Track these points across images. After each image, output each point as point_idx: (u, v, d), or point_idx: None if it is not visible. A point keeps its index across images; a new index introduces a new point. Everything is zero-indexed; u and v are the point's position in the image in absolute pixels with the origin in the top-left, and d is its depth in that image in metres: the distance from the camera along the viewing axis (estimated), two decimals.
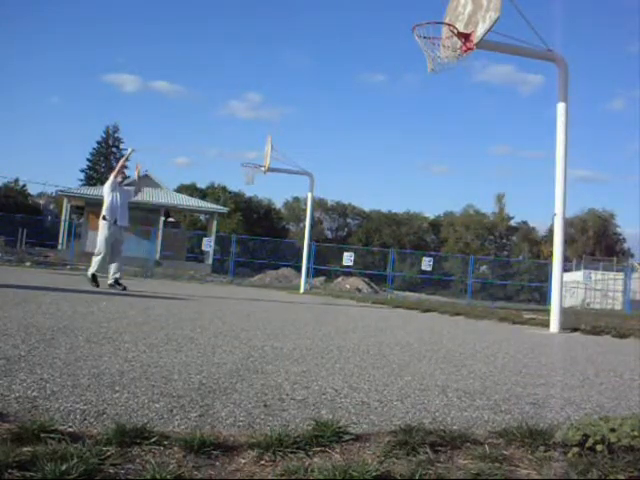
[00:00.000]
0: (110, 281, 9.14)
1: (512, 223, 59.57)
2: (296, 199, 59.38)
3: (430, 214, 63.07)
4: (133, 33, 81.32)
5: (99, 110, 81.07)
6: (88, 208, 33.25)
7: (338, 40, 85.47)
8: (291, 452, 1.49)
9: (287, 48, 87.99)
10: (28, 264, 19.99)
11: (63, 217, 32.54)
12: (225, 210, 38.28)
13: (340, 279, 27.57)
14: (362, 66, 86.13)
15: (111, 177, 9.86)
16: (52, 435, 1.43)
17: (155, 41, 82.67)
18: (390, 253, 28.02)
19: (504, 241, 60.09)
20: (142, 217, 30.94)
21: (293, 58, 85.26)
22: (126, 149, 59.30)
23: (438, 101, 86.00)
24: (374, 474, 1.33)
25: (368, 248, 42.35)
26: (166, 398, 2.01)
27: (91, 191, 34.79)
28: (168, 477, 1.24)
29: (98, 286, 8.95)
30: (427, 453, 1.54)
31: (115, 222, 9.54)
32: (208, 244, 28.35)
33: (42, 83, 79.81)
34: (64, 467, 1.21)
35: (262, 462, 1.43)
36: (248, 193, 57.29)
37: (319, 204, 56.21)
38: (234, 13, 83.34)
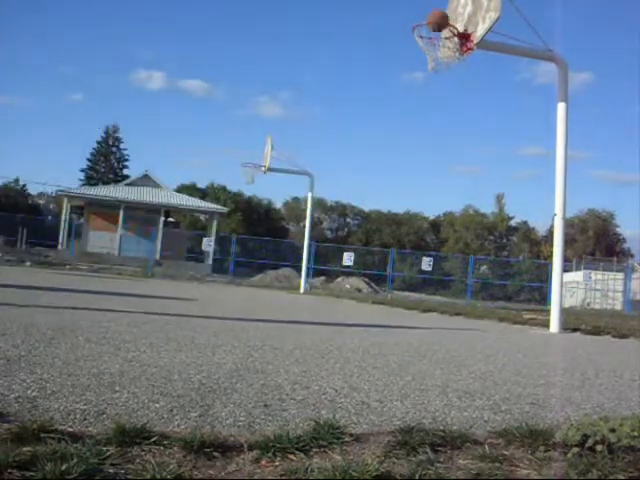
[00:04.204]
0: None
1: (512, 223, 59.57)
2: (296, 199, 59.37)
3: (430, 214, 63.11)
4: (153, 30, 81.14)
5: (104, 108, 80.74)
6: (88, 208, 33.27)
7: (340, 40, 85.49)
8: (291, 452, 1.49)
9: (287, 46, 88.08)
10: (28, 264, 19.98)
11: (63, 217, 32.54)
12: (225, 210, 38.27)
13: (340, 279, 27.55)
14: (362, 65, 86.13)
15: None
16: (52, 435, 1.43)
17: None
18: (390, 253, 28.03)
19: (504, 241, 60.08)
20: (142, 217, 30.97)
21: (294, 57, 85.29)
22: (126, 149, 59.51)
23: (438, 100, 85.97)
24: (374, 474, 1.33)
25: (368, 248, 42.36)
26: (166, 398, 2.01)
27: (91, 191, 34.79)
28: (168, 477, 1.24)
29: None
30: (427, 453, 1.54)
31: None
32: (208, 244, 28.36)
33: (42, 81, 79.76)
34: (64, 467, 1.21)
35: (262, 462, 1.43)
36: (248, 193, 57.33)
37: (319, 204, 56.19)
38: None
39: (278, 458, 1.45)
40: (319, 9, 79.71)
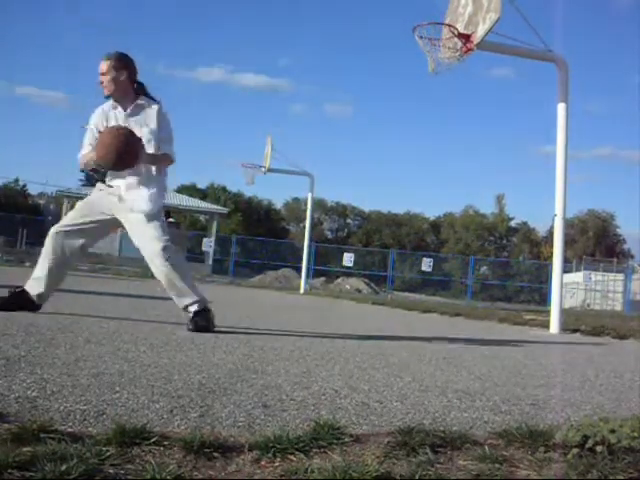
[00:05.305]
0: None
1: (512, 224, 59.56)
2: (296, 200, 59.39)
3: (430, 215, 63.12)
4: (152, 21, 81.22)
5: None
6: None
7: (336, 39, 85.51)
8: (291, 453, 1.49)
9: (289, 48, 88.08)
10: (28, 264, 19.96)
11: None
12: (225, 211, 38.24)
13: (340, 280, 27.55)
14: (362, 65, 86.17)
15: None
16: (52, 435, 1.43)
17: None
18: (390, 254, 28.04)
19: (504, 242, 60.08)
20: None
21: (302, 54, 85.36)
22: None
23: (438, 99, 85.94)
24: (374, 475, 1.33)
25: (368, 249, 42.34)
26: (166, 398, 2.02)
27: (91, 191, 34.79)
28: (168, 477, 1.24)
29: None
30: (427, 454, 1.54)
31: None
32: (208, 244, 28.36)
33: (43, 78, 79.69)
34: (64, 467, 1.21)
35: (262, 463, 1.43)
36: (248, 193, 57.30)
37: (319, 205, 56.20)
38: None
39: (278, 459, 1.45)
40: (323, 16, 79.67)
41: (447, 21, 8.34)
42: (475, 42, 7.61)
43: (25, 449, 1.33)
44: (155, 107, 4.28)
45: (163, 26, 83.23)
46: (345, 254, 25.76)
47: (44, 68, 76.92)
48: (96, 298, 7.12)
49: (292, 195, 62.01)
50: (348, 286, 26.29)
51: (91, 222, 4.32)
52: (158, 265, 4.15)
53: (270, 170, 19.44)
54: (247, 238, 33.87)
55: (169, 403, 1.95)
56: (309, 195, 20.46)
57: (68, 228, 4.28)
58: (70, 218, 4.36)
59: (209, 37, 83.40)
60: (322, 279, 27.54)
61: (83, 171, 4.24)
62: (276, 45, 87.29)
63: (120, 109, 4.26)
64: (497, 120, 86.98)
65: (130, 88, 4.27)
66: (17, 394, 1.88)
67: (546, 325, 7.81)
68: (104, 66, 4.20)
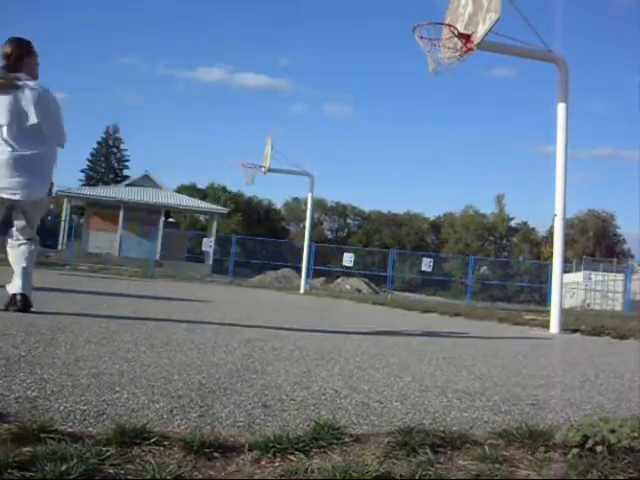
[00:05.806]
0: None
1: (512, 224, 59.55)
2: (296, 200, 59.38)
3: (430, 215, 63.12)
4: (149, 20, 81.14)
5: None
6: (88, 208, 33.30)
7: (335, 40, 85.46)
8: (291, 453, 1.49)
9: (287, 48, 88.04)
10: None
11: (63, 217, 32.58)
12: (225, 211, 38.23)
13: (340, 280, 27.54)
14: (362, 65, 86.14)
15: None
16: (52, 435, 1.43)
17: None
18: (390, 254, 28.04)
19: (504, 242, 60.08)
20: (142, 217, 30.95)
21: (297, 54, 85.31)
22: (127, 149, 59.35)
23: (438, 99, 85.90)
24: (374, 475, 1.33)
25: (368, 249, 42.34)
26: (166, 398, 2.01)
27: (91, 191, 34.81)
28: (168, 477, 1.24)
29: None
30: (427, 454, 1.54)
31: None
32: (208, 244, 28.37)
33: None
34: (64, 467, 1.21)
35: (262, 463, 1.43)
36: (248, 193, 57.30)
37: (319, 205, 56.19)
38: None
39: (278, 458, 1.45)
40: (324, 17, 79.62)
41: (447, 21, 8.33)
42: (475, 42, 7.61)
43: (25, 449, 1.33)
44: None
45: (163, 26, 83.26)
46: (345, 254, 25.74)
47: (44, 68, 76.73)
48: (96, 298, 7.12)
49: (292, 195, 62.03)
50: (348, 286, 26.28)
51: None
52: None
53: (270, 170, 19.43)
54: (247, 238, 33.86)
55: (169, 403, 1.95)
56: (309, 195, 20.46)
57: None
58: None
59: (209, 37, 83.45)
60: (322, 279, 27.53)
61: None
62: (276, 45, 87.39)
63: None
64: (497, 120, 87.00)
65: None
66: (17, 394, 1.88)
67: (546, 325, 7.81)
68: None
